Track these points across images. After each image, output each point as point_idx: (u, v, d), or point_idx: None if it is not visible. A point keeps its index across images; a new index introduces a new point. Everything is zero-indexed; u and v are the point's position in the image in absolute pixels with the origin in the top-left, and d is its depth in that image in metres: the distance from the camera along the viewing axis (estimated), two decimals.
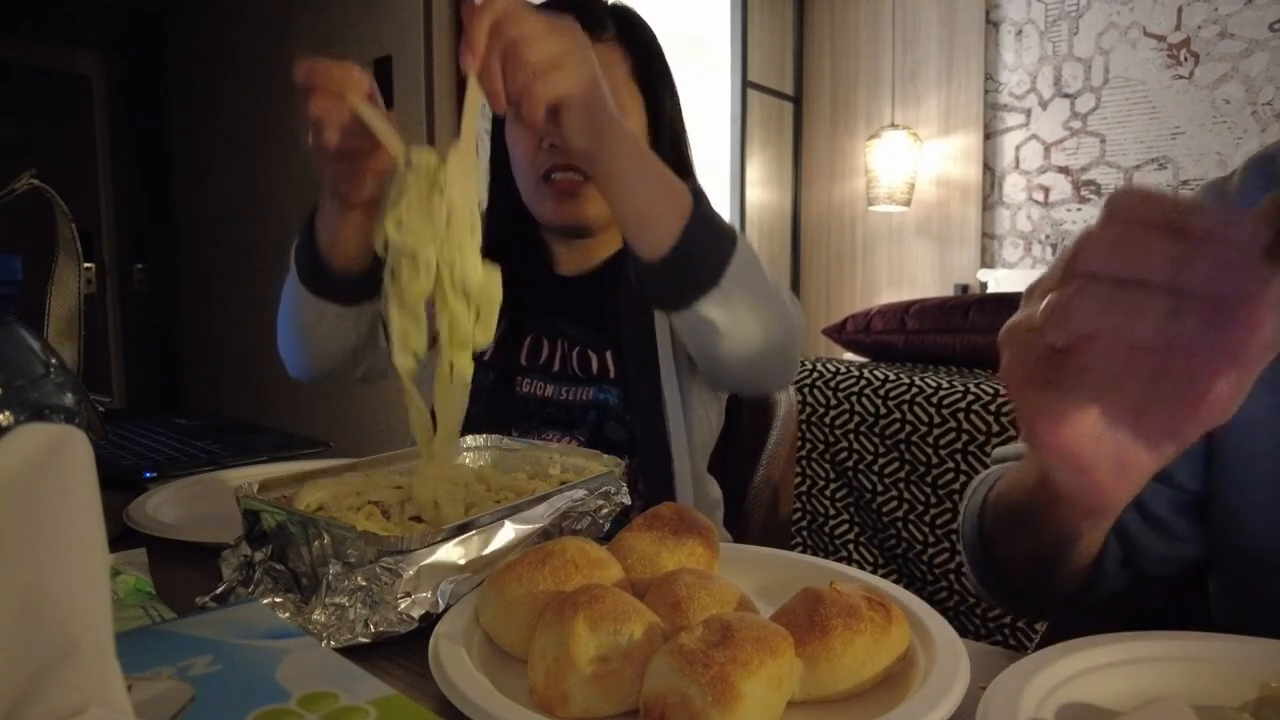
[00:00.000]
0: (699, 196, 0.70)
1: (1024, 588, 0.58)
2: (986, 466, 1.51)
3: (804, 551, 1.39)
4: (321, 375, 0.92)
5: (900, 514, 1.73)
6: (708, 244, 0.69)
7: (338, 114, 0.61)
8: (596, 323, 0.95)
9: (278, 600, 0.49)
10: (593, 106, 0.62)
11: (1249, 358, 0.31)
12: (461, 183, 0.54)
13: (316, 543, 0.48)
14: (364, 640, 0.46)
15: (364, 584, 0.47)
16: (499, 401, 0.94)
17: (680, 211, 0.68)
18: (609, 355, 0.93)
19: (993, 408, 1.60)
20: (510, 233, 1.01)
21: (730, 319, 0.71)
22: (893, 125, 3.81)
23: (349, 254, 0.79)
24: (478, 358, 0.97)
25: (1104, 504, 0.41)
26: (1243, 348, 0.30)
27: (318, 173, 0.70)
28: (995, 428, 1.59)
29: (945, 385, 1.68)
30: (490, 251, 1.07)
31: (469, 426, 0.97)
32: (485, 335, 0.57)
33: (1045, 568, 0.54)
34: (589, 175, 0.91)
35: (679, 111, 0.99)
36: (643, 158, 0.68)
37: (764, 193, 4.07)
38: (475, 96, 0.57)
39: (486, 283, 0.56)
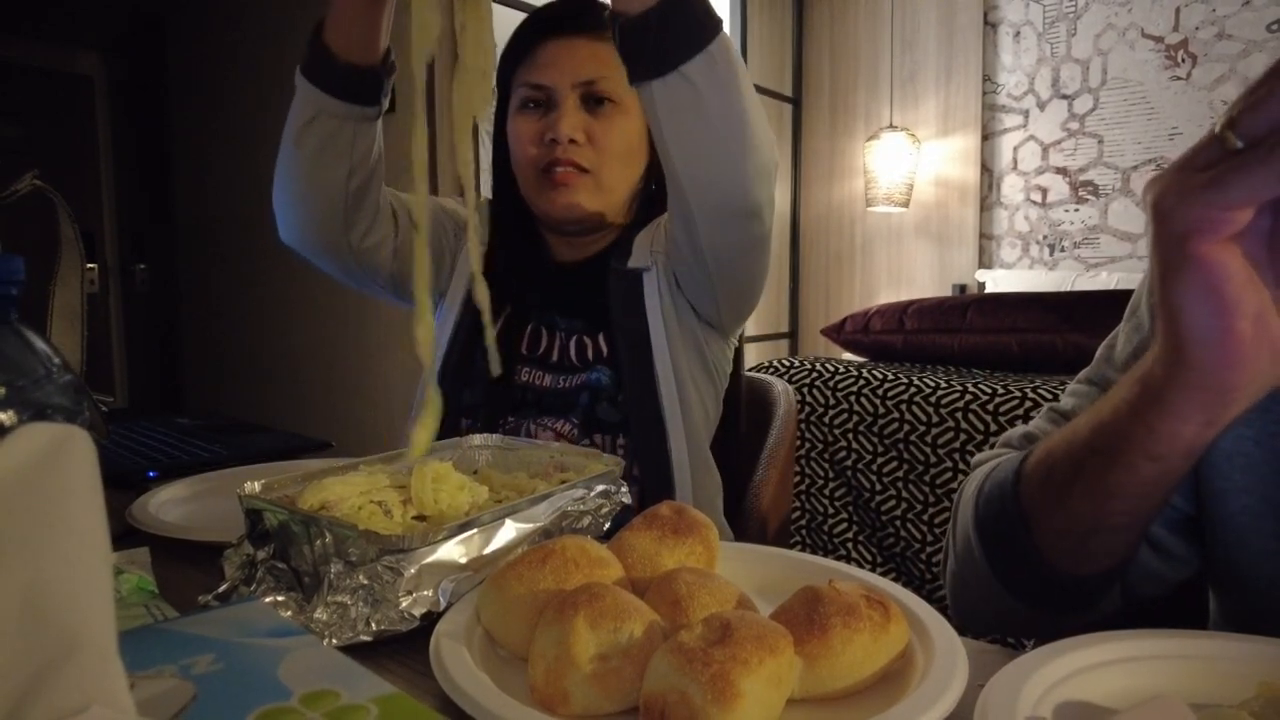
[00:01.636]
0: None
1: (1051, 571, 0.54)
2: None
3: (803, 550, 1.39)
4: (314, 225, 0.91)
5: (899, 513, 1.73)
6: (697, 6, 0.69)
7: None
8: (591, 309, 0.96)
9: (280, 599, 0.49)
10: None
11: None
12: None
13: (318, 541, 0.49)
14: (365, 639, 0.46)
15: (366, 582, 0.47)
16: (499, 389, 0.96)
17: None
18: (601, 338, 0.95)
19: (990, 407, 1.60)
20: (512, 228, 1.02)
21: (716, 91, 0.70)
22: (891, 126, 3.82)
23: (355, 32, 0.80)
24: (479, 344, 0.98)
25: (1235, 368, 0.39)
26: None
27: None
28: (993, 427, 1.59)
29: (943, 385, 1.68)
30: (495, 244, 1.05)
31: (468, 412, 0.98)
32: None
33: (1093, 527, 0.51)
34: (587, 168, 0.91)
35: None
36: None
37: None
38: None
39: None
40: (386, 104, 0.87)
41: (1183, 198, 0.38)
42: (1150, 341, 0.54)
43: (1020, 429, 0.67)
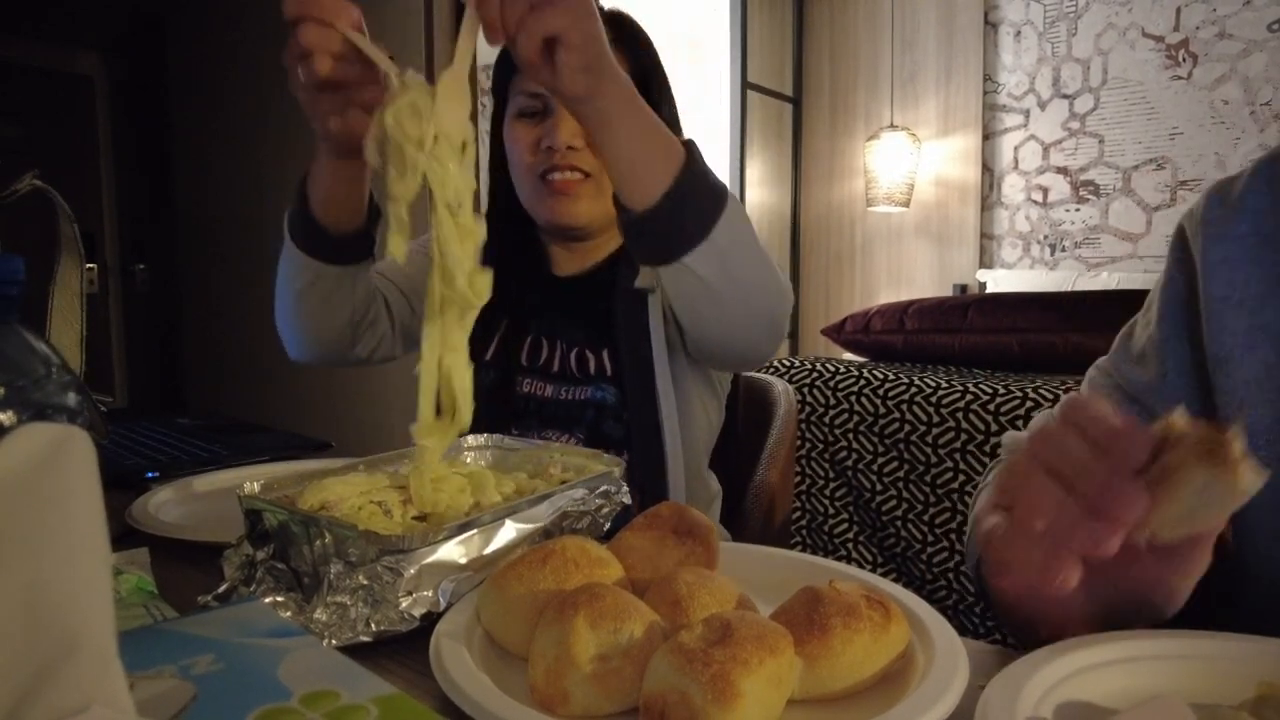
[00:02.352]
0: (692, 149, 0.69)
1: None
2: (985, 467, 1.51)
3: (804, 551, 1.39)
4: (321, 353, 0.93)
5: (899, 513, 1.73)
6: (700, 196, 0.68)
7: (327, 42, 0.61)
8: (594, 323, 0.95)
9: (279, 599, 0.49)
10: (588, 45, 0.61)
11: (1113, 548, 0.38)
12: (451, 105, 0.53)
13: (318, 542, 0.49)
14: (365, 639, 0.46)
15: (365, 583, 0.47)
16: (500, 401, 0.95)
17: (673, 161, 0.67)
18: (605, 354, 0.94)
19: (991, 407, 1.60)
20: (510, 234, 1.01)
21: (721, 275, 0.70)
22: (892, 126, 3.82)
23: (341, 208, 0.80)
24: (479, 357, 0.98)
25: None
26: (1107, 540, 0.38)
27: (307, 113, 0.69)
28: (994, 427, 1.59)
29: (944, 385, 1.68)
30: (490, 253, 1.08)
31: (475, 422, 0.98)
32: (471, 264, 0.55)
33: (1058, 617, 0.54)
34: (582, 118, 0.91)
35: (675, 119, 1.00)
36: (636, 103, 0.67)
37: (764, 193, 4.07)
38: (472, 26, 0.56)
39: (474, 223, 0.55)
40: (380, 250, 0.88)
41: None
42: (1155, 338, 0.58)
43: (1047, 417, 0.68)
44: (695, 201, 0.68)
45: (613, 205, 0.94)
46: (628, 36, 0.95)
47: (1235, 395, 0.54)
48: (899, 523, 1.73)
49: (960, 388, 1.66)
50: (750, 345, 0.80)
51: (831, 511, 1.83)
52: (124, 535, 0.66)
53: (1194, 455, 0.38)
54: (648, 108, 0.68)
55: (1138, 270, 3.44)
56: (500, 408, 0.95)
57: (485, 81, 2.69)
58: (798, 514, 1.87)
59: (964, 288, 3.83)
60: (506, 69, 0.97)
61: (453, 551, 0.49)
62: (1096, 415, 0.40)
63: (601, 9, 0.96)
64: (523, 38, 0.58)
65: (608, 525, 0.60)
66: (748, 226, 0.72)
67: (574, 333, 0.96)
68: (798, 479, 1.86)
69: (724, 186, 0.71)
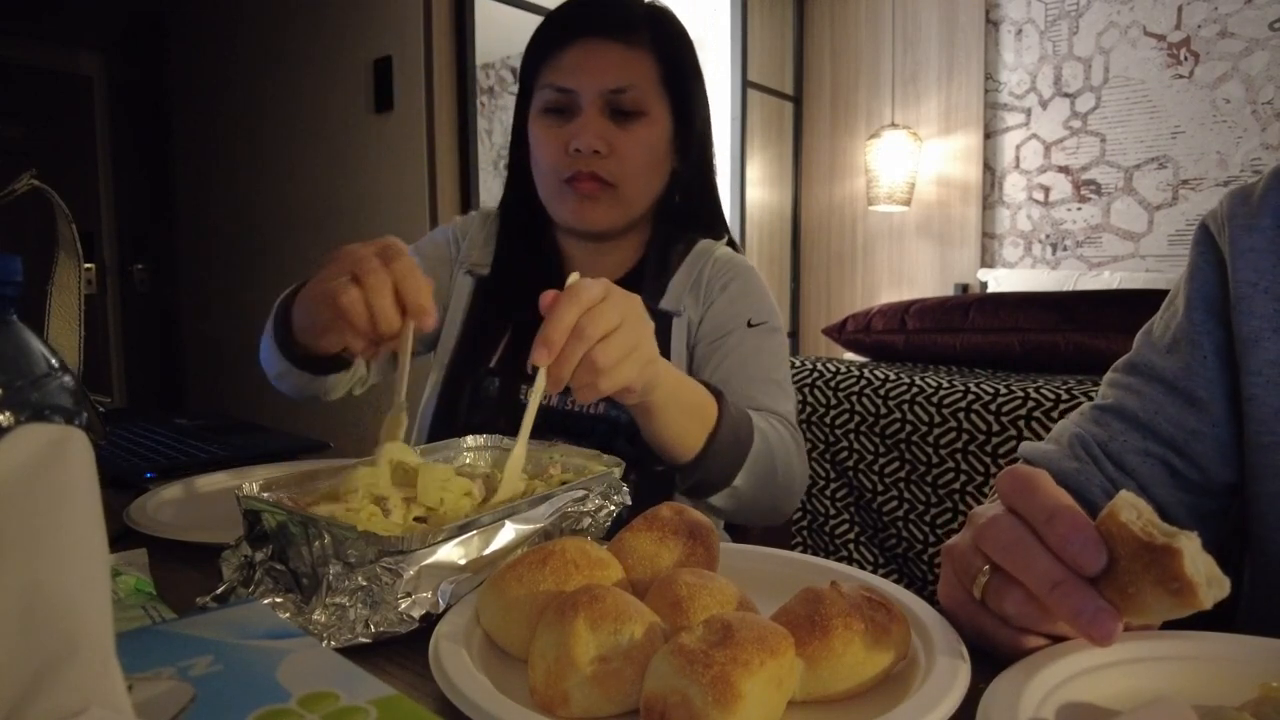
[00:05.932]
0: (722, 405, 0.74)
1: None
2: (986, 468, 1.50)
3: (804, 551, 1.39)
4: (298, 399, 0.93)
5: (901, 514, 1.72)
6: (726, 453, 0.74)
7: (362, 317, 0.61)
8: None
9: (278, 600, 0.49)
10: (647, 385, 0.64)
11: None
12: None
13: (317, 543, 0.48)
14: (364, 640, 0.46)
15: (364, 584, 0.47)
16: (505, 408, 0.94)
17: (706, 425, 0.73)
18: None
19: (993, 407, 1.60)
20: (523, 235, 0.99)
21: (735, 506, 0.79)
22: (893, 125, 3.81)
23: (316, 346, 0.77)
24: (483, 365, 0.97)
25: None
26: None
27: (314, 306, 0.69)
28: (996, 427, 1.59)
29: (945, 385, 1.68)
30: (501, 260, 1.05)
31: (477, 429, 0.97)
32: None
33: None
34: (610, 181, 0.90)
35: (708, 121, 0.97)
36: (680, 392, 0.71)
37: (764, 193, 4.07)
38: (541, 390, 0.57)
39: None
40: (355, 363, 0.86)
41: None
42: (1185, 327, 0.61)
43: (1070, 430, 0.69)
44: (722, 459, 0.74)
45: (634, 211, 0.94)
46: (665, 35, 0.92)
47: (1262, 374, 0.58)
48: (900, 523, 1.73)
49: (962, 388, 1.65)
50: (774, 520, 0.87)
51: (832, 512, 1.83)
52: (122, 536, 0.66)
53: (1144, 571, 0.38)
54: (688, 384, 0.72)
55: (1139, 269, 3.44)
56: (506, 415, 0.93)
57: (484, 80, 2.69)
58: (798, 514, 1.86)
59: (965, 287, 3.83)
60: (537, 57, 0.93)
61: (452, 553, 0.49)
62: (1047, 507, 0.41)
63: (641, 5, 0.92)
64: (585, 395, 0.59)
65: (608, 526, 0.60)
66: (768, 460, 0.79)
67: None
68: None
69: (751, 430, 0.77)
